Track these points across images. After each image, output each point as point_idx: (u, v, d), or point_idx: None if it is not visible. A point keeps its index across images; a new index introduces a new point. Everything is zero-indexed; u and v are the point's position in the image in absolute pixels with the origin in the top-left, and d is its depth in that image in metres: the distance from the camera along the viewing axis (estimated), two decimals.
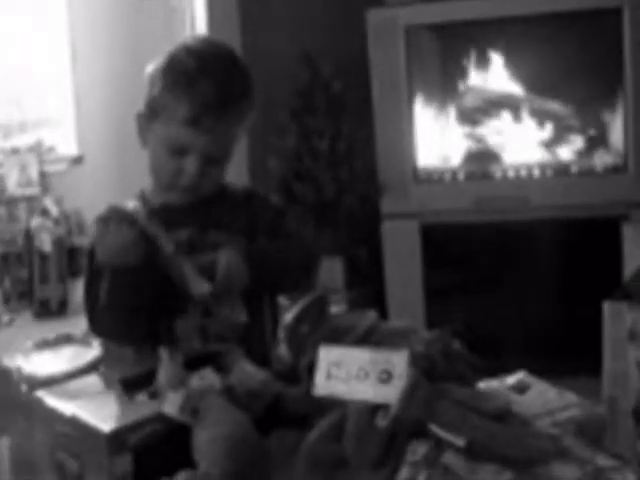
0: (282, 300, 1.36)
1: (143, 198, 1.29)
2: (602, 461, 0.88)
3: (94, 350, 1.77)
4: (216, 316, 1.22)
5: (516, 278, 2.74)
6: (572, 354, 2.57)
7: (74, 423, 0.95)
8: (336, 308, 1.32)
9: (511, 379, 1.14)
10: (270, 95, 2.59)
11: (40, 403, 1.01)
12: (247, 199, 1.31)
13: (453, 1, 2.70)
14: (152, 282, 1.18)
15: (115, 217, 1.18)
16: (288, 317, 1.19)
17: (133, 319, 1.20)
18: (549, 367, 1.32)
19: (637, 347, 0.98)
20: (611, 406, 1.00)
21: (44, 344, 1.94)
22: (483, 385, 1.09)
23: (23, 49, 2.84)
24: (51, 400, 1.00)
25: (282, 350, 1.31)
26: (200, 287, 1.17)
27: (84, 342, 1.90)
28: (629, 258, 2.48)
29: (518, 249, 2.74)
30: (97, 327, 1.27)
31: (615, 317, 0.99)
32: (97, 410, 0.96)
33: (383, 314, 1.24)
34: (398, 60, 2.68)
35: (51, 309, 2.51)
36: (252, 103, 1.27)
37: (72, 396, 1.00)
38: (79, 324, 2.16)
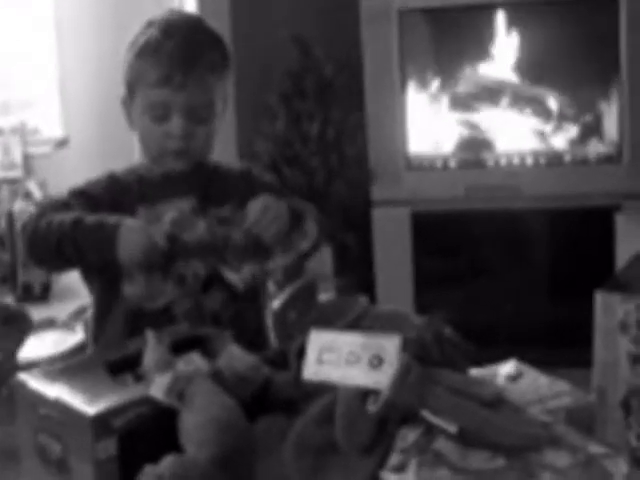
0: (270, 287, 1.35)
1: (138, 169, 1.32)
2: (594, 449, 0.87)
3: (77, 335, 1.75)
4: (212, 293, 1.23)
5: (507, 267, 2.73)
6: (563, 344, 2.56)
7: (58, 406, 0.93)
8: (325, 295, 1.31)
9: (503, 367, 1.13)
10: (260, 78, 2.57)
11: (23, 386, 0.98)
12: (243, 177, 1.33)
13: None
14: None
15: None
16: (276, 304, 1.18)
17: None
18: (540, 357, 1.31)
19: (628, 338, 0.97)
20: (600, 396, 0.99)
21: None
22: (475, 373, 1.08)
23: (7, 30, 2.79)
24: (34, 383, 0.98)
25: (271, 336, 1.29)
26: None
27: (67, 327, 1.88)
28: (621, 248, 2.47)
29: (509, 238, 2.73)
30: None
31: (606, 308, 0.98)
32: (81, 393, 0.94)
33: (372, 301, 1.24)
34: (391, 45, 2.66)
35: (34, 293, 2.48)
36: (224, 55, 1.30)
37: (56, 379, 0.98)
38: (63, 309, 2.13)
